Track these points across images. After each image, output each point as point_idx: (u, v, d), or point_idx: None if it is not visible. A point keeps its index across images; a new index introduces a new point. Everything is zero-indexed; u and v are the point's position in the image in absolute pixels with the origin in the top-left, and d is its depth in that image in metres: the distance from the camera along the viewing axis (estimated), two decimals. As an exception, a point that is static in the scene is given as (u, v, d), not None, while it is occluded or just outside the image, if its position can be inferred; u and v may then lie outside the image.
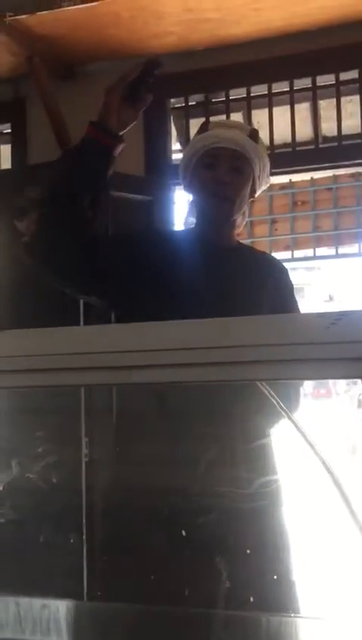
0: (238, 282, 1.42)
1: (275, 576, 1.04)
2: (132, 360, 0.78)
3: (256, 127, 1.55)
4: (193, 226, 1.52)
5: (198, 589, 1.19)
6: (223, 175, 1.40)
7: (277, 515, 1.17)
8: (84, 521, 1.73)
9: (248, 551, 1.10)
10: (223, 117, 2.69)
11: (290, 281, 1.56)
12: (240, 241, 1.64)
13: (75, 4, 2.34)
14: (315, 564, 1.19)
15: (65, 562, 1.57)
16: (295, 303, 1.55)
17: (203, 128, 1.48)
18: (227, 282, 1.41)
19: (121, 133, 1.36)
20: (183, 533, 1.18)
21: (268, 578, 1.14)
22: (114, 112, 1.34)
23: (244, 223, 1.58)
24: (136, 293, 1.34)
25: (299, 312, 1.54)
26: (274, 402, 0.80)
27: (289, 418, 0.82)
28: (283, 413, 0.82)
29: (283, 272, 1.56)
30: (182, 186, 1.56)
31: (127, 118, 1.37)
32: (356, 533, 0.76)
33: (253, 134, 1.45)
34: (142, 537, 1.27)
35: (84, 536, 1.70)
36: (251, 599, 1.13)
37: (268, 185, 1.55)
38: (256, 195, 1.52)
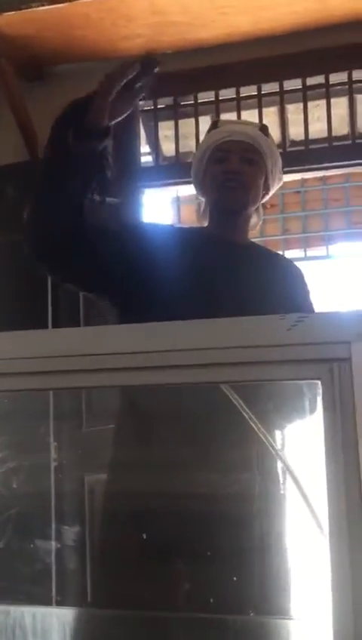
0: (252, 279, 1.38)
1: (235, 578, 1.04)
2: (94, 363, 0.78)
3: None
4: (205, 224, 1.48)
5: (169, 593, 1.19)
6: (234, 166, 1.39)
7: (249, 517, 1.17)
8: (53, 526, 1.72)
9: (220, 553, 1.10)
10: (192, 120, 2.70)
11: (306, 284, 1.52)
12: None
13: (43, 5, 2.33)
14: (286, 565, 1.19)
15: (33, 568, 1.55)
16: (311, 305, 1.49)
17: (213, 125, 1.47)
18: (240, 278, 1.37)
19: (110, 124, 1.31)
20: (155, 536, 1.17)
21: (243, 580, 1.14)
22: (105, 109, 1.28)
23: (260, 223, 1.54)
24: (144, 289, 1.29)
25: (314, 312, 1.46)
26: (237, 404, 0.80)
27: (252, 421, 0.83)
28: (246, 415, 0.82)
29: (300, 274, 1.52)
30: (195, 189, 1.52)
31: (120, 110, 1.31)
32: (318, 533, 0.77)
33: (264, 129, 1.45)
34: (113, 541, 1.26)
35: (52, 542, 1.69)
36: (256, 604, 1.12)
37: (281, 182, 1.51)
38: (271, 193, 1.49)
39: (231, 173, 1.39)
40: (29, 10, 2.35)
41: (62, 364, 0.79)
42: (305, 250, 3.09)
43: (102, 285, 1.37)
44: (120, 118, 1.34)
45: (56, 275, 1.40)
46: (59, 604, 1.46)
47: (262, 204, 1.51)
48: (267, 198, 1.51)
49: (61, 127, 1.34)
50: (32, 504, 1.48)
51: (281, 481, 1.08)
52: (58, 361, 0.79)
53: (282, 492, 1.11)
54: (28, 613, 1.16)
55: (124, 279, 1.33)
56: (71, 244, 1.27)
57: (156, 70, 1.33)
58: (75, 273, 1.34)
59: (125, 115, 1.35)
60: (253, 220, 1.49)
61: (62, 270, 1.34)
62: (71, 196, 1.26)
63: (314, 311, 1.48)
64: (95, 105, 1.29)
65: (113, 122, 1.32)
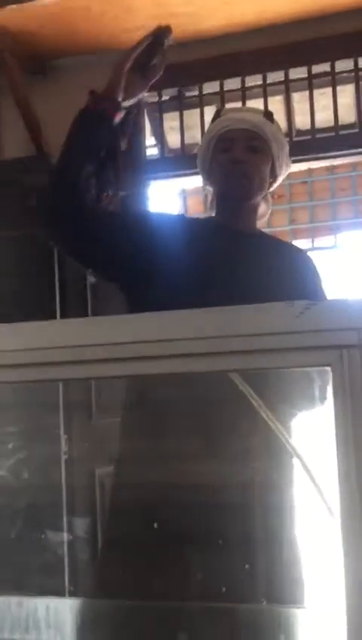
0: (260, 267, 1.38)
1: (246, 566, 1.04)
2: (102, 353, 0.78)
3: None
4: (214, 215, 1.48)
5: (181, 583, 1.19)
6: (238, 154, 1.38)
7: (259, 505, 1.16)
8: (64, 518, 1.73)
9: (231, 542, 1.11)
10: (197, 111, 2.69)
11: (318, 272, 1.50)
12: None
13: (45, -1, 2.32)
14: (298, 553, 1.19)
15: (46, 559, 1.56)
16: (323, 293, 1.48)
17: (216, 115, 1.47)
18: (248, 267, 1.36)
19: (126, 103, 1.35)
20: (166, 526, 1.17)
21: (254, 568, 1.14)
22: (119, 83, 1.32)
23: (269, 212, 1.52)
24: (152, 277, 1.30)
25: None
26: (246, 393, 0.80)
27: (262, 410, 0.82)
28: (255, 404, 0.82)
29: (311, 262, 1.50)
30: (203, 179, 1.52)
31: (135, 88, 1.35)
32: (329, 520, 0.77)
33: (268, 115, 1.44)
34: (124, 532, 1.26)
35: (64, 533, 1.70)
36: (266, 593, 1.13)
37: (289, 169, 1.50)
38: (279, 180, 1.48)
39: (236, 163, 1.38)
40: (31, 4, 2.35)
41: (71, 354, 0.79)
42: (313, 240, 3.08)
43: (105, 264, 1.39)
44: (136, 98, 1.36)
45: (64, 247, 1.42)
46: (72, 594, 1.47)
47: (270, 192, 1.50)
48: (276, 185, 1.49)
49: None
50: (43, 496, 1.49)
51: (292, 470, 1.07)
52: (66, 351, 0.79)
53: (293, 480, 1.11)
54: (41, 604, 1.17)
55: (128, 262, 1.34)
56: (79, 218, 1.30)
57: (169, 40, 1.35)
58: (80, 248, 1.36)
59: (141, 95, 1.37)
60: (262, 208, 1.48)
61: (69, 243, 1.37)
62: (82, 166, 1.30)
63: (326, 299, 1.47)
64: (109, 79, 1.32)
65: (129, 102, 1.34)
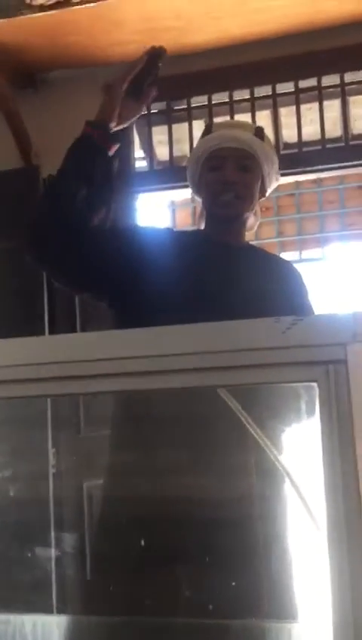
0: (249, 281, 1.38)
1: (233, 583, 1.04)
2: (90, 369, 0.78)
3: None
4: (204, 227, 1.48)
5: (169, 599, 1.18)
6: (230, 175, 1.38)
7: (249, 521, 1.16)
8: (52, 533, 1.71)
9: (220, 557, 1.10)
10: (185, 124, 2.71)
11: (304, 284, 1.51)
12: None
13: (33, 12, 2.33)
14: (288, 568, 1.19)
15: (33, 576, 1.55)
16: (309, 305, 1.49)
17: (207, 130, 1.46)
18: (237, 281, 1.36)
19: (120, 128, 1.34)
20: (155, 541, 1.16)
21: (242, 584, 1.13)
22: (113, 110, 1.32)
23: (257, 223, 1.53)
24: (140, 292, 1.30)
25: (313, 313, 1.47)
26: (234, 408, 0.80)
27: (249, 425, 0.82)
28: (243, 419, 0.82)
29: (298, 275, 1.52)
30: (192, 191, 1.53)
31: (128, 112, 1.34)
32: (316, 535, 0.77)
33: (259, 132, 1.43)
34: (112, 547, 1.25)
35: (52, 549, 1.68)
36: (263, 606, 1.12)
37: (278, 182, 1.51)
38: (268, 194, 1.49)
39: (226, 184, 1.38)
40: (20, 17, 2.36)
41: (59, 370, 0.79)
42: (300, 252, 3.09)
43: (98, 287, 1.38)
44: (132, 121, 1.36)
45: (54, 272, 1.41)
46: (60, 611, 1.45)
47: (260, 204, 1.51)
48: (264, 198, 1.50)
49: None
50: (31, 511, 1.47)
51: (281, 484, 1.07)
52: (55, 367, 0.79)
53: (282, 495, 1.11)
54: (28, 622, 1.16)
55: (120, 281, 1.33)
56: (70, 245, 1.29)
57: (160, 62, 1.35)
58: (72, 274, 1.35)
59: (137, 117, 1.36)
60: (251, 221, 1.49)
61: (59, 270, 1.36)
62: (73, 196, 1.29)
63: (312, 311, 1.48)
64: (103, 104, 1.32)
65: (124, 125, 1.34)
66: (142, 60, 1.34)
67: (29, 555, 1.43)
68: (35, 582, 1.47)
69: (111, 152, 1.34)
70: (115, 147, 1.34)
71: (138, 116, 1.38)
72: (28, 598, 1.36)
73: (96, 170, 1.32)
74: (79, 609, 1.39)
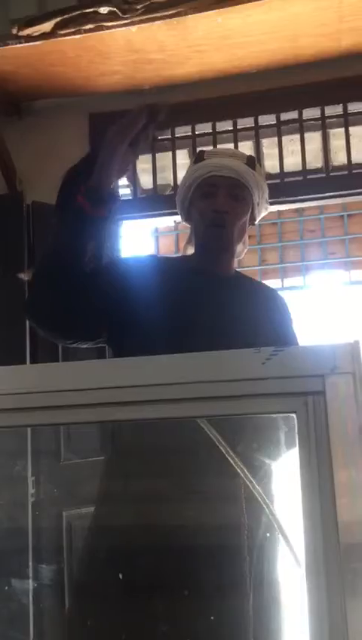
0: (235, 311, 1.37)
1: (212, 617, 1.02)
2: (71, 399, 0.78)
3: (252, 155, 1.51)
4: (192, 254, 1.48)
5: (150, 631, 1.16)
6: (221, 204, 1.37)
7: (240, 552, 1.14)
8: (30, 564, 1.68)
9: (191, 591, 1.08)
10: (169, 153, 2.74)
11: (289, 312, 1.52)
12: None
13: (20, 43, 2.37)
14: (275, 600, 1.17)
15: (10, 609, 1.51)
16: (294, 334, 1.49)
17: (199, 158, 1.45)
18: (224, 311, 1.36)
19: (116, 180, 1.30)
20: (135, 573, 1.14)
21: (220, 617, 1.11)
22: (111, 172, 1.25)
23: (245, 250, 1.53)
24: (132, 327, 1.28)
25: (297, 343, 1.49)
26: (214, 439, 0.80)
27: (228, 455, 0.82)
28: (223, 449, 0.82)
29: (283, 303, 1.52)
30: (180, 217, 1.52)
31: (125, 163, 1.29)
32: (296, 568, 0.77)
33: (250, 161, 1.43)
34: (98, 578, 1.23)
35: (30, 581, 1.65)
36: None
37: (267, 211, 1.51)
38: (257, 222, 1.49)
39: (218, 212, 1.38)
40: (6, 47, 2.39)
41: (40, 400, 0.79)
42: (282, 280, 3.13)
43: (98, 334, 1.36)
44: (125, 174, 1.32)
45: (58, 337, 1.38)
46: (37, 645, 1.42)
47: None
48: (252, 226, 1.51)
49: (68, 190, 1.32)
50: (8, 541, 1.45)
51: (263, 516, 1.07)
52: (35, 397, 0.79)
53: (271, 525, 1.10)
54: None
55: (114, 321, 1.32)
56: (71, 313, 1.27)
57: (161, 119, 1.30)
58: (78, 336, 1.34)
59: (129, 169, 1.32)
60: (239, 248, 1.49)
61: (65, 335, 1.34)
62: (72, 267, 1.25)
63: (296, 340, 1.49)
64: (101, 167, 1.25)
65: (120, 178, 1.30)
66: (141, 115, 1.28)
67: (6, 587, 1.40)
68: (11, 614, 1.43)
69: (105, 214, 1.27)
70: (112, 206, 1.28)
71: (129, 170, 1.33)
72: (4, 632, 1.33)
73: (91, 238, 1.28)
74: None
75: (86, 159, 1.33)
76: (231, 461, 0.81)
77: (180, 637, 1.09)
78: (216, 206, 1.38)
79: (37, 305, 1.31)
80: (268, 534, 1.00)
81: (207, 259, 1.44)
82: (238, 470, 0.80)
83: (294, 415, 0.68)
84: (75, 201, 1.26)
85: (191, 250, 1.49)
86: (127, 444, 1.22)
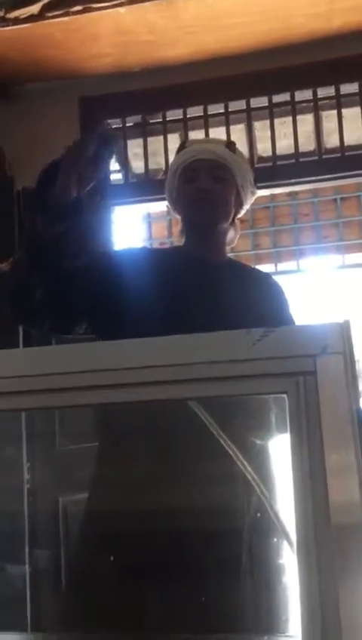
0: (227, 297, 1.39)
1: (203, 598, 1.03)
2: (63, 382, 0.77)
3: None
4: (183, 244, 1.49)
5: (146, 614, 1.17)
6: (204, 184, 1.42)
7: (237, 533, 1.14)
8: (26, 549, 1.69)
9: (186, 573, 1.09)
10: (160, 137, 2.72)
11: (285, 297, 1.53)
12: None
13: (8, 25, 2.34)
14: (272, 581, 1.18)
15: (6, 594, 1.52)
16: (290, 316, 1.50)
17: (181, 147, 1.51)
18: (216, 298, 1.38)
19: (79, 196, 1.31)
20: (131, 557, 1.15)
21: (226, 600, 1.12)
22: (68, 188, 1.28)
23: (237, 237, 1.55)
24: (124, 316, 1.30)
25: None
26: (205, 420, 0.80)
27: (220, 436, 0.82)
28: (214, 431, 0.82)
29: (277, 288, 1.54)
30: (171, 208, 1.54)
31: (88, 181, 1.32)
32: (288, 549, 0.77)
33: (230, 145, 1.48)
34: (93, 562, 1.24)
35: (26, 566, 1.65)
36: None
37: (254, 196, 1.54)
38: (246, 207, 1.52)
39: (201, 191, 1.42)
40: (-5, 30, 2.36)
41: (33, 383, 0.78)
42: (276, 265, 3.12)
43: (82, 323, 1.37)
44: (89, 187, 1.33)
45: (37, 326, 1.42)
46: (35, 629, 1.43)
47: (238, 219, 1.53)
48: (242, 212, 1.53)
49: (33, 205, 1.36)
50: (4, 526, 1.45)
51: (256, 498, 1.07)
52: (28, 380, 0.79)
53: (257, 507, 1.10)
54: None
55: (103, 311, 1.34)
56: (49, 308, 1.30)
57: (113, 142, 1.36)
58: (56, 328, 1.37)
59: (93, 182, 1.34)
60: (230, 234, 1.51)
61: (42, 320, 1.37)
62: (46, 274, 1.28)
63: (293, 322, 1.49)
64: (59, 183, 1.28)
65: (82, 192, 1.31)
66: (93, 140, 1.31)
67: (2, 571, 1.40)
68: (8, 599, 1.44)
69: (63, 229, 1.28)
70: (79, 215, 1.30)
71: (93, 183, 1.34)
72: (1, 617, 1.34)
73: (59, 245, 1.29)
74: (55, 626, 1.37)
75: (46, 172, 1.34)
76: (223, 442, 0.81)
77: (174, 619, 1.10)
78: (198, 186, 1.42)
79: (21, 311, 1.34)
80: (258, 514, 1.00)
81: (196, 242, 1.45)
82: (230, 451, 0.80)
83: (285, 396, 0.68)
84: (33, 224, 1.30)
85: (183, 241, 1.50)
86: (119, 428, 1.22)
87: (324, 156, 2.66)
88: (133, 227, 3.13)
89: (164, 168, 2.76)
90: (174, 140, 2.75)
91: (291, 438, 0.67)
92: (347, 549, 0.62)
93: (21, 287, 1.31)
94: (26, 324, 1.40)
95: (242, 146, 2.74)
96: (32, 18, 2.31)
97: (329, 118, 2.71)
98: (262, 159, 2.76)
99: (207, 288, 1.39)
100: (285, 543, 0.79)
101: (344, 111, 2.62)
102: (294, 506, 0.64)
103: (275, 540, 0.93)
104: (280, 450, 0.74)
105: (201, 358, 0.71)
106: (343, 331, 0.69)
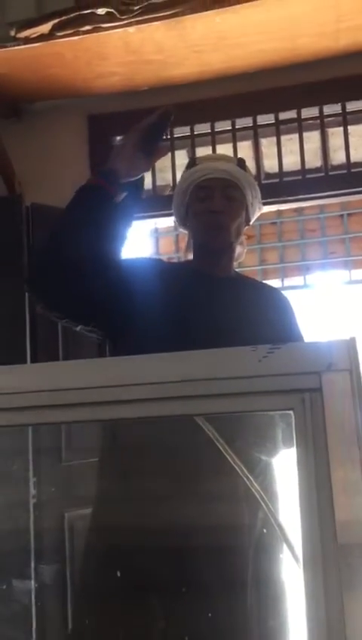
0: (236, 312, 1.40)
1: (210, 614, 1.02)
2: (70, 398, 0.78)
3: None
4: (191, 258, 1.51)
5: (151, 630, 1.16)
6: (217, 205, 1.42)
7: (243, 550, 1.14)
8: (32, 565, 1.68)
9: (190, 589, 1.08)
10: (168, 154, 2.74)
11: (293, 311, 1.53)
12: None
13: (18, 45, 2.37)
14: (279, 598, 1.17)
15: (12, 609, 1.51)
16: (298, 330, 1.51)
17: (191, 163, 1.50)
18: (224, 313, 1.38)
19: (127, 180, 1.36)
20: (137, 572, 1.15)
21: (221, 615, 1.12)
22: (123, 160, 1.35)
23: (244, 252, 1.57)
24: (131, 325, 1.31)
25: (303, 340, 1.50)
26: (212, 436, 0.80)
27: (226, 452, 0.83)
28: (220, 447, 0.82)
29: (286, 303, 1.54)
30: (178, 224, 1.56)
31: (137, 168, 1.37)
32: (294, 566, 0.77)
33: (241, 163, 1.49)
34: (98, 578, 1.23)
35: (32, 581, 1.65)
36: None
37: (261, 211, 1.56)
38: (252, 222, 1.53)
39: (214, 213, 1.42)
40: (4, 50, 2.39)
41: (40, 399, 0.79)
42: (283, 280, 3.12)
43: (96, 319, 1.37)
44: (138, 176, 1.38)
45: (51, 309, 1.39)
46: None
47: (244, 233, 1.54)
48: (248, 226, 1.54)
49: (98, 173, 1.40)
50: (10, 542, 1.45)
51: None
52: (35, 396, 0.79)
53: (263, 524, 1.10)
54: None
55: (116, 313, 1.34)
56: (73, 279, 1.30)
57: (171, 121, 1.39)
58: (71, 306, 1.35)
59: (141, 174, 1.39)
60: (238, 250, 1.52)
61: (59, 302, 1.36)
62: (79, 241, 1.30)
63: (302, 338, 1.50)
64: (112, 157, 1.34)
65: (128, 179, 1.35)
66: (153, 117, 1.36)
67: (8, 586, 1.40)
68: (13, 614, 1.44)
69: (116, 199, 1.35)
70: (120, 195, 1.36)
71: (140, 175, 1.40)
72: (6, 632, 1.33)
73: (102, 215, 1.33)
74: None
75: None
76: (229, 458, 0.81)
77: (180, 635, 1.10)
78: (212, 207, 1.42)
79: (41, 269, 1.35)
80: (264, 530, 1.00)
81: (206, 261, 1.46)
82: (236, 467, 0.81)
83: (291, 412, 0.68)
84: (88, 184, 1.36)
85: (191, 256, 1.51)
86: (124, 443, 1.22)
87: (331, 173, 2.68)
88: (140, 242, 3.15)
89: (171, 184, 2.78)
90: (182, 156, 2.77)
91: (297, 454, 0.67)
92: (353, 566, 0.62)
93: (65, 242, 1.31)
94: (44, 278, 1.34)
95: (249, 163, 2.76)
96: (42, 38, 2.34)
97: (335, 135, 2.73)
98: (268, 175, 2.78)
99: (216, 301, 1.39)
100: (291, 559, 0.79)
101: (350, 128, 2.64)
102: (300, 522, 0.64)
103: (281, 556, 0.93)
104: (286, 466, 0.75)
105: (208, 375, 0.71)
106: (349, 348, 0.70)
